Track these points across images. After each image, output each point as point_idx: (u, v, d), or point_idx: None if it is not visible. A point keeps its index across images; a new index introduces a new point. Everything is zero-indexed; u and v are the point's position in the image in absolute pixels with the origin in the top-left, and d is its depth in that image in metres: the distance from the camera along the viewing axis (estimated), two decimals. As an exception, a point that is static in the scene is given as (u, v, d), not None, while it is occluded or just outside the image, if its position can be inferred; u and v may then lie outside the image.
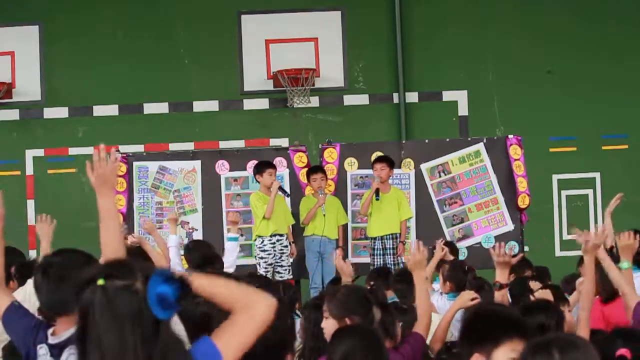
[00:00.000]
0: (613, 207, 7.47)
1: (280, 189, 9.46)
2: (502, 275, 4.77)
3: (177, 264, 7.57)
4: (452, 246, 8.56)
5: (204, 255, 6.64)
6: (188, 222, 9.58)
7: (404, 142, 11.08)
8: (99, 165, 3.40)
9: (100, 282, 2.29)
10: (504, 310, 3.40)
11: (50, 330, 3.41)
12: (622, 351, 3.19)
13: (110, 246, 3.29)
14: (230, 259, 7.71)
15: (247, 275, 6.28)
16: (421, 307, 4.89)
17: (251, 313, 2.43)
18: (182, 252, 7.73)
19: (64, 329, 3.32)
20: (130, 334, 2.26)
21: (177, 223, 8.40)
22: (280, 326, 2.86)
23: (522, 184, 9.97)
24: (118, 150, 10.37)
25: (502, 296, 4.76)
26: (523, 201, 9.95)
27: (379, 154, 9.93)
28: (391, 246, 9.62)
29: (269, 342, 2.56)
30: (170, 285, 2.29)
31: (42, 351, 3.37)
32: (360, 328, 4.01)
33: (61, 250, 3.53)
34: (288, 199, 9.84)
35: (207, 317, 2.87)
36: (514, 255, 5.34)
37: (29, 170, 12.35)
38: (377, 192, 9.53)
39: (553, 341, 2.59)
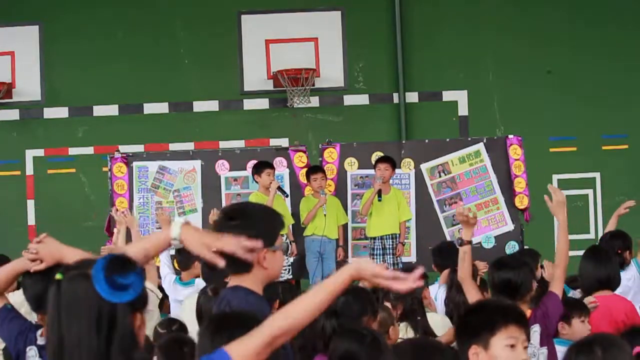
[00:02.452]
0: (622, 212, 7.44)
1: (279, 189, 9.45)
2: (466, 234, 4.88)
3: (167, 265, 7.55)
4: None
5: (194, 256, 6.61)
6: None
7: (404, 142, 11.09)
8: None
9: (58, 276, 2.26)
10: (496, 300, 3.43)
11: (39, 332, 3.41)
12: (639, 349, 3.21)
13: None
14: None
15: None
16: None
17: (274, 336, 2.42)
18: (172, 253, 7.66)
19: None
20: (84, 320, 2.19)
21: (169, 222, 8.26)
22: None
23: (519, 185, 9.97)
24: (118, 150, 10.39)
25: (464, 252, 4.83)
26: (521, 202, 9.96)
27: (379, 154, 9.93)
28: (391, 246, 9.63)
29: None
30: (115, 266, 2.23)
31: (32, 352, 3.37)
32: (361, 330, 4.01)
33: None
34: (288, 200, 9.84)
35: None
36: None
37: (29, 170, 12.35)
38: (379, 193, 9.53)
39: (595, 340, 2.66)
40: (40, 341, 3.36)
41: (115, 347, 2.20)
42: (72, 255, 3.12)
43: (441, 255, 7.52)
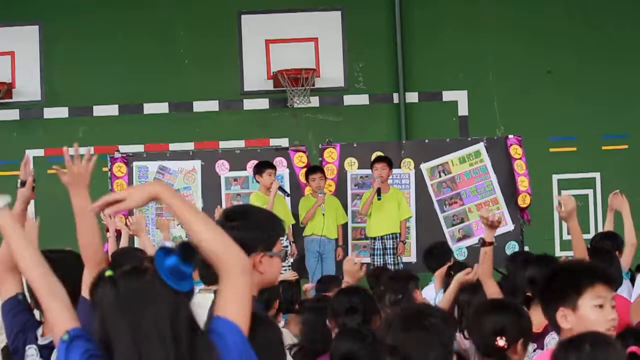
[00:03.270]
0: (615, 204, 7.45)
1: (280, 189, 9.45)
2: (488, 235, 4.91)
3: None
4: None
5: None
6: None
7: (404, 142, 11.09)
8: (73, 164, 3.38)
9: (108, 273, 2.27)
10: (581, 261, 3.39)
11: (39, 331, 3.39)
12: (633, 348, 3.21)
13: (90, 246, 3.26)
14: None
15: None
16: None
17: (232, 274, 2.40)
18: None
19: (51, 329, 3.30)
20: (149, 313, 2.23)
21: (169, 228, 8.18)
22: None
23: (523, 183, 9.97)
24: (118, 150, 10.39)
25: (484, 253, 4.85)
26: (524, 200, 9.95)
27: (379, 154, 9.94)
28: (391, 246, 9.63)
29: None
30: (176, 254, 2.27)
31: (31, 351, 3.35)
32: (362, 330, 4.01)
33: (52, 251, 3.51)
34: (288, 199, 9.84)
35: None
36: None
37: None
38: (378, 192, 9.54)
39: (585, 337, 2.68)
40: (42, 341, 3.34)
41: (183, 331, 2.25)
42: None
43: (432, 257, 7.49)
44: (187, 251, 2.29)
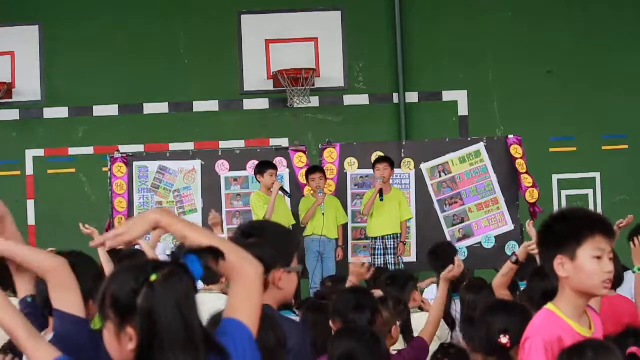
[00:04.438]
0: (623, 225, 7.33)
1: (282, 189, 9.46)
2: (523, 255, 4.93)
3: None
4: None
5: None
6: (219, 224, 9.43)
7: (404, 142, 11.09)
8: None
9: (154, 277, 2.24)
10: (582, 209, 3.35)
11: (42, 333, 3.39)
12: (633, 349, 3.21)
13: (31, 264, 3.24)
14: None
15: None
16: (433, 315, 5.01)
17: (246, 278, 2.43)
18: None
19: (53, 329, 3.31)
20: (193, 313, 2.26)
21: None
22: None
23: (527, 180, 9.95)
24: (118, 150, 10.39)
25: (510, 269, 4.86)
26: (532, 195, 9.89)
27: (379, 154, 9.94)
28: (392, 246, 9.63)
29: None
30: (198, 258, 2.32)
31: None
32: (361, 329, 4.01)
33: (61, 253, 3.51)
34: (288, 200, 9.85)
35: None
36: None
37: (29, 170, 12.35)
38: (380, 192, 9.53)
39: (587, 344, 2.71)
40: None
41: (199, 328, 2.28)
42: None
43: (437, 257, 7.44)
44: (214, 254, 2.34)
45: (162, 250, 7.77)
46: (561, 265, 3.01)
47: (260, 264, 2.48)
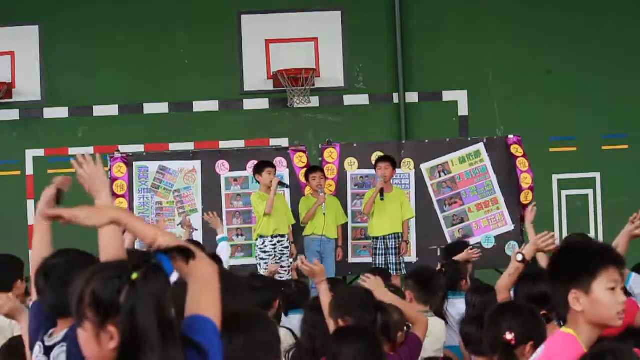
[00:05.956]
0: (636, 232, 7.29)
1: (280, 183, 9.46)
2: (530, 253, 4.87)
3: None
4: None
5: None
6: (190, 226, 9.46)
7: (404, 142, 11.09)
8: (84, 168, 3.43)
9: (135, 275, 2.26)
10: (592, 241, 3.35)
11: (50, 332, 3.40)
12: (634, 350, 3.21)
13: (112, 250, 3.26)
14: (223, 259, 7.70)
15: (248, 276, 6.28)
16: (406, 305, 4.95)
17: (206, 276, 2.48)
18: None
19: (61, 330, 3.31)
20: (170, 309, 2.28)
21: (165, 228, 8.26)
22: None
23: (525, 180, 9.97)
24: (118, 150, 10.39)
25: (516, 269, 4.83)
26: (526, 197, 9.93)
27: (379, 154, 9.94)
28: (393, 246, 9.62)
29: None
30: (168, 257, 2.35)
31: (37, 349, 3.37)
32: (360, 329, 4.01)
33: (61, 252, 3.51)
34: (288, 199, 9.85)
35: None
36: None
37: (29, 170, 12.35)
38: (381, 192, 9.53)
39: (608, 350, 2.72)
40: (48, 342, 3.34)
41: (177, 324, 2.32)
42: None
43: (452, 254, 7.41)
44: (185, 254, 2.39)
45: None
46: (576, 300, 3.02)
47: (213, 262, 2.54)
